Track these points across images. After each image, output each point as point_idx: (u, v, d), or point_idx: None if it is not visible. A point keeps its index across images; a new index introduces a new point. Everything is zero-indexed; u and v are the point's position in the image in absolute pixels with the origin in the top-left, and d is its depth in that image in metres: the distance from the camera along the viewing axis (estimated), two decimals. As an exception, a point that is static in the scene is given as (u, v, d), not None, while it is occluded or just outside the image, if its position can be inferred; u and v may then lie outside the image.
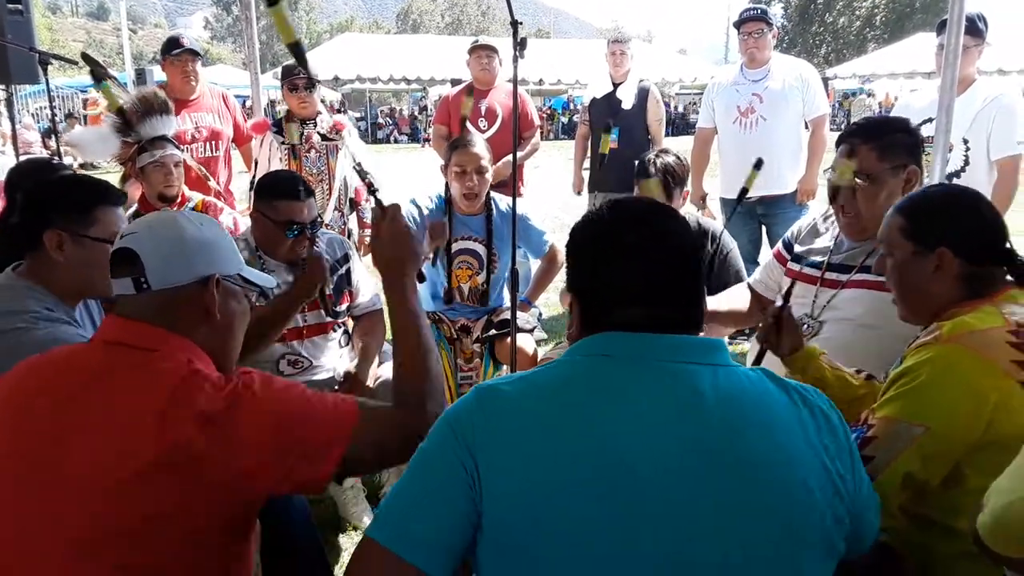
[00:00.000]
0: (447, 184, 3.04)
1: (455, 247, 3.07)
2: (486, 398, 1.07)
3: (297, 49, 1.50)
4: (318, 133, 3.90)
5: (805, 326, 2.08)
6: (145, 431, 1.13)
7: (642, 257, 1.09)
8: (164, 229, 1.33)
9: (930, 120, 3.16)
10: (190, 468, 1.12)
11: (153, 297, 1.28)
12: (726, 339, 2.73)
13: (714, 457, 0.98)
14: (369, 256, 4.20)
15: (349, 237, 3.97)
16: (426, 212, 3.05)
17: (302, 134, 3.88)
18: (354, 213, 4.05)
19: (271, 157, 3.89)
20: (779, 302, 1.83)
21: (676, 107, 26.41)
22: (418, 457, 1.08)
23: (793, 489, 1.00)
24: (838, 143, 2.06)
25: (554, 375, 1.09)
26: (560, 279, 3.70)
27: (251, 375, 1.24)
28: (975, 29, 3.27)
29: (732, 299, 2.47)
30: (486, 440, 1.02)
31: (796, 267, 2.21)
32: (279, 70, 4.27)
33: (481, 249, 3.09)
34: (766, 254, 3.41)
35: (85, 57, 3.87)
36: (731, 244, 2.96)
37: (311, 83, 3.83)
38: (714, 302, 2.39)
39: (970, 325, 1.39)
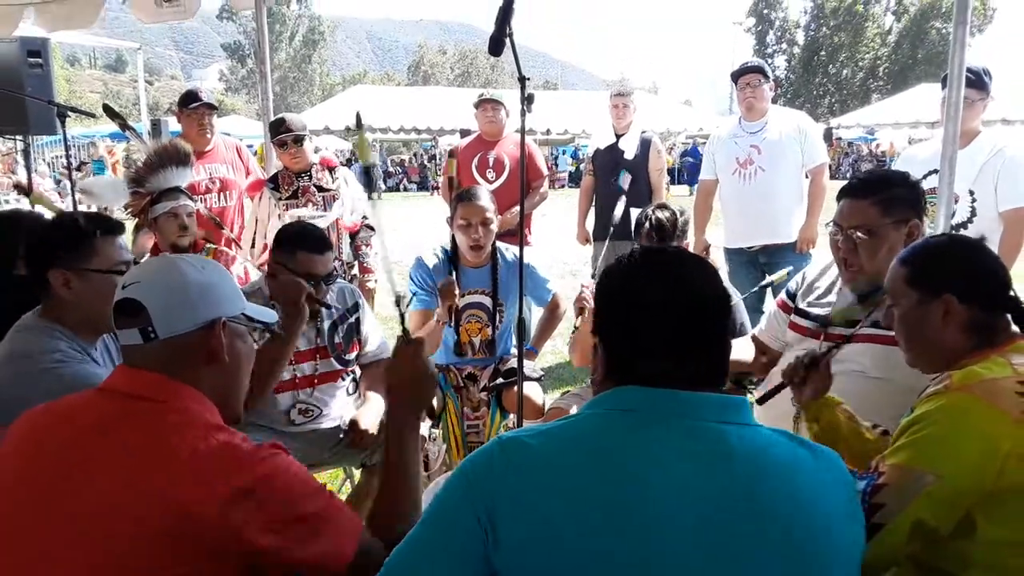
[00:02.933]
0: (452, 236, 3.07)
1: (462, 302, 3.09)
2: (509, 451, 1.04)
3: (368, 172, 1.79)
4: (315, 185, 3.92)
5: None
6: (162, 492, 1.11)
7: (668, 307, 1.09)
8: (167, 276, 1.32)
9: (935, 172, 3.19)
10: (205, 537, 1.11)
11: (161, 346, 1.28)
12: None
13: (740, 518, 0.97)
14: (372, 303, 4.18)
15: (352, 281, 4.00)
16: (434, 270, 3.06)
17: (298, 188, 3.91)
18: (356, 261, 4.08)
19: (270, 213, 3.92)
20: (823, 348, 1.82)
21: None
22: (432, 507, 1.06)
23: (822, 553, 0.99)
24: (839, 198, 2.08)
25: (578, 430, 1.07)
26: (566, 328, 3.70)
27: (286, 457, 1.22)
28: (980, 83, 3.31)
29: (737, 352, 2.46)
30: (506, 493, 1.00)
31: (800, 320, 2.21)
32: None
33: (488, 301, 3.11)
34: (769, 303, 3.41)
35: (107, 109, 3.97)
36: (735, 295, 2.97)
37: (300, 138, 3.86)
38: None
39: (979, 375, 1.39)
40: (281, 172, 3.98)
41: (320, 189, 3.94)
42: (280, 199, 3.91)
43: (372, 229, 4.14)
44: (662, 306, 1.09)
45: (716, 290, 1.12)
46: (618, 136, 4.86)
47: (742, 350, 2.47)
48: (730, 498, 0.98)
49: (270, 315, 1.50)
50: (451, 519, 1.03)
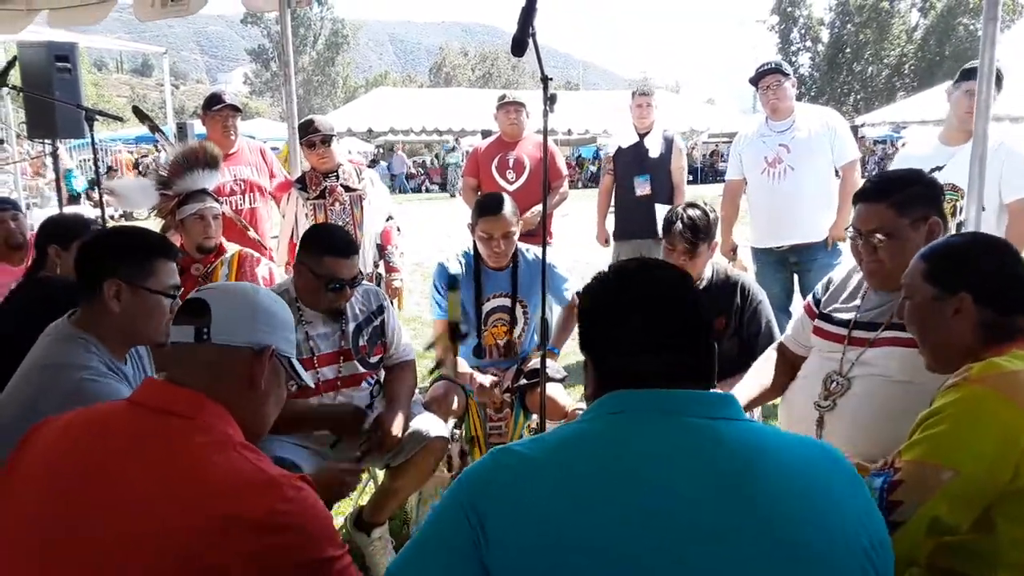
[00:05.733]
0: (475, 241, 3.07)
1: (486, 307, 3.09)
2: (499, 458, 1.10)
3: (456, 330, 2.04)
4: (342, 185, 3.96)
5: (834, 383, 2.05)
6: (184, 514, 1.08)
7: (642, 301, 1.15)
8: (241, 292, 1.39)
9: (937, 169, 3.18)
10: (221, 563, 1.06)
11: (207, 351, 1.27)
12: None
13: (733, 512, 0.98)
14: (399, 303, 4.18)
15: (379, 282, 4.01)
16: (460, 274, 3.05)
17: (325, 188, 3.95)
18: (382, 260, 4.10)
19: (298, 213, 3.97)
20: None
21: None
22: (430, 515, 1.11)
23: (821, 547, 0.99)
24: (854, 202, 2.06)
25: (570, 435, 1.11)
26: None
27: (315, 496, 1.19)
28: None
29: (757, 382, 2.37)
30: (496, 496, 1.04)
31: (824, 325, 2.18)
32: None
33: (510, 303, 3.10)
34: (798, 302, 3.35)
35: (136, 111, 4.05)
36: (761, 295, 2.93)
37: (327, 138, 3.91)
38: (742, 393, 2.31)
39: (1000, 367, 1.39)
40: (308, 172, 4.03)
41: (347, 189, 3.97)
42: (308, 199, 3.95)
43: (398, 230, 4.16)
44: (637, 302, 1.15)
45: (687, 286, 1.19)
46: (641, 135, 4.86)
47: (763, 376, 2.37)
48: (723, 494, 0.99)
49: (308, 379, 1.51)
50: (444, 523, 1.08)
